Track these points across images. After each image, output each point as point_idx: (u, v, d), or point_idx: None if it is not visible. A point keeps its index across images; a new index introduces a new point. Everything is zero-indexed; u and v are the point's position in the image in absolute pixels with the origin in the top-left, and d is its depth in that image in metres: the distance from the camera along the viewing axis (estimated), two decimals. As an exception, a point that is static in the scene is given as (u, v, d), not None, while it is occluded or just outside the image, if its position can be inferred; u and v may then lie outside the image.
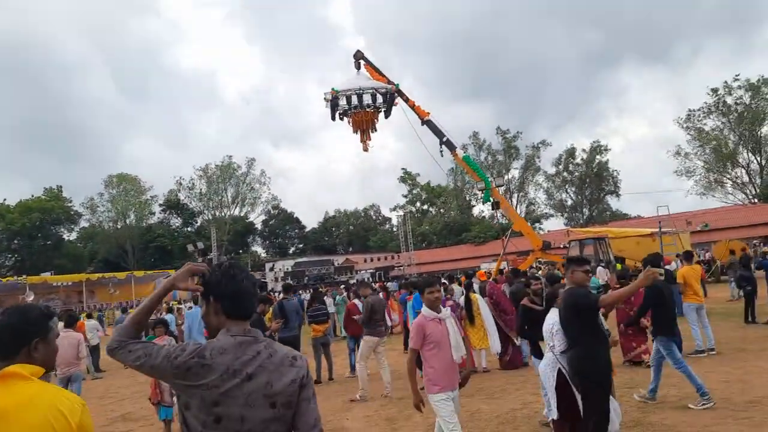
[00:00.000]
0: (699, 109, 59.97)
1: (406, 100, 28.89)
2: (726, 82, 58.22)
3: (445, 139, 27.42)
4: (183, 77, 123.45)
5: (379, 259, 62.52)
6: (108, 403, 10.19)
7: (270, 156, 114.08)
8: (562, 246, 30.91)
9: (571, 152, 76.76)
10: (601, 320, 4.34)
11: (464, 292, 9.36)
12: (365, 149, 29.61)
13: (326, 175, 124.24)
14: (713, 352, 8.69)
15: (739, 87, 57.33)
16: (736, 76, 57.56)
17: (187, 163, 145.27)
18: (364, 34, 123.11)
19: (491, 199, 26.68)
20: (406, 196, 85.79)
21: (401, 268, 59.28)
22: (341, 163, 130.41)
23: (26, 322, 1.99)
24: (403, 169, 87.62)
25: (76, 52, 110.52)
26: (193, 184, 71.38)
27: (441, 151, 28.07)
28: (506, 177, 78.44)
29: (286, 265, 60.50)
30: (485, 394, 7.66)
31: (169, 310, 16.24)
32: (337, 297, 16.76)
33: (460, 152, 26.67)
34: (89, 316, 15.20)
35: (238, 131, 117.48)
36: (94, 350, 13.89)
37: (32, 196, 66.09)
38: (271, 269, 58.92)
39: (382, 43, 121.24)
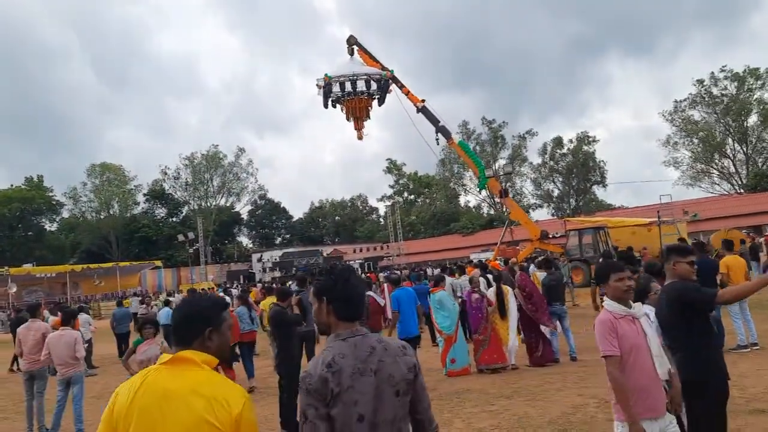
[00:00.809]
0: (684, 100, 60.26)
1: (401, 86, 28.35)
2: (712, 73, 58.48)
3: (440, 125, 26.94)
4: (164, 64, 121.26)
5: (368, 249, 61.93)
6: (104, 402, 9.59)
7: (253, 145, 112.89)
8: (551, 236, 30.61)
9: (558, 141, 76.62)
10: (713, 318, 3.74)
11: (493, 282, 8.88)
12: (359, 137, 29.03)
13: (311, 165, 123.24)
14: (756, 347, 8.34)
15: (726, 78, 57.59)
16: (723, 67, 57.85)
17: (169, 152, 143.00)
18: (349, 22, 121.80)
19: (486, 186, 26.27)
20: (392, 187, 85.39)
21: (390, 258, 58.83)
22: (326, 153, 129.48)
23: (200, 312, 2.05)
24: (388, 159, 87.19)
25: (55, 37, 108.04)
26: (179, 173, 70.22)
27: (437, 139, 27.64)
28: (494, 167, 78.55)
29: (274, 255, 59.66)
30: (525, 394, 7.14)
31: (166, 303, 15.51)
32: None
33: (456, 137, 26.16)
34: (81, 310, 14.45)
35: (221, 119, 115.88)
36: (87, 346, 13.21)
37: (12, 185, 64.42)
38: (259, 260, 57.98)
39: (367, 31, 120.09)
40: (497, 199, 36.57)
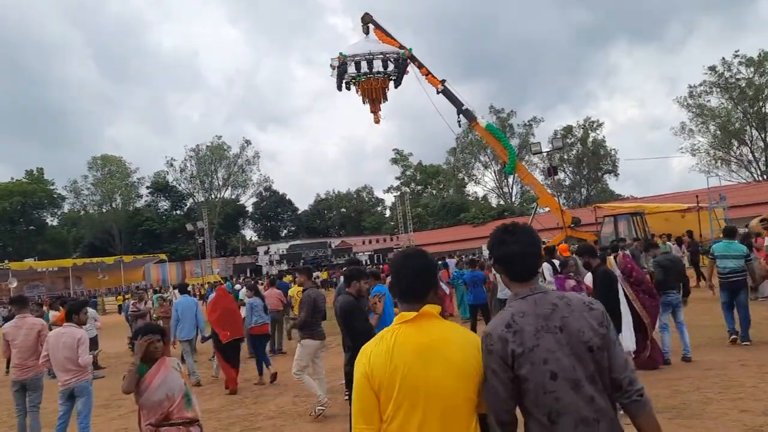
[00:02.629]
0: (700, 85, 58.45)
1: (420, 66, 26.77)
2: (724, 58, 56.70)
3: (464, 108, 25.40)
4: (166, 58, 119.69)
5: (377, 241, 60.34)
6: (115, 415, 8.12)
7: (256, 138, 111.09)
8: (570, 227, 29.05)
9: (568, 130, 74.99)
10: None
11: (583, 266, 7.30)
12: (376, 121, 27.59)
13: (315, 157, 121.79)
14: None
15: (740, 63, 55.82)
16: (736, 51, 56.08)
17: (171, 146, 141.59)
18: (352, 14, 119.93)
19: (514, 172, 24.75)
20: (399, 178, 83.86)
21: (400, 249, 57.24)
22: (329, 146, 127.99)
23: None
24: (395, 149, 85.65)
25: (56, 31, 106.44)
26: (185, 165, 68.73)
27: (459, 122, 26.13)
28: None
29: (281, 248, 58.26)
30: (669, 412, 5.39)
31: (183, 291, 13.85)
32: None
33: (481, 121, 24.58)
34: (87, 304, 12.97)
35: (223, 113, 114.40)
36: (92, 344, 11.71)
37: (12, 179, 62.97)
38: (266, 252, 56.56)
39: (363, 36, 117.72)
40: (531, 190, 34.78)
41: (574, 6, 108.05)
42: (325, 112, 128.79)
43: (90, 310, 12.27)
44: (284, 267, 50.39)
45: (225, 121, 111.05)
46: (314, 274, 23.36)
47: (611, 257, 8.77)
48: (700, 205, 24.64)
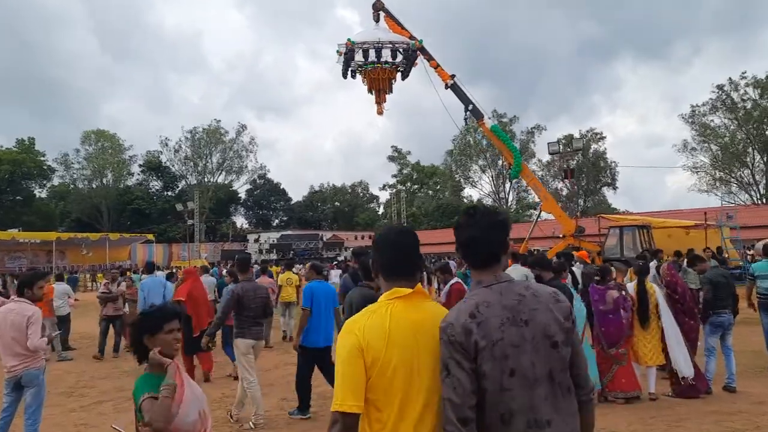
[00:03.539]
0: (703, 105, 58.06)
1: (429, 59, 25.86)
2: (730, 78, 56.25)
3: (471, 107, 24.55)
4: (168, 37, 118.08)
5: (370, 237, 59.47)
6: (75, 406, 7.14)
7: (253, 125, 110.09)
8: (561, 236, 28.54)
9: (569, 139, 74.48)
10: None
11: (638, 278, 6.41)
12: (380, 112, 26.58)
13: (310, 149, 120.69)
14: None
15: (747, 84, 55.39)
16: (743, 73, 55.73)
17: (167, 126, 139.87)
18: (359, 9, 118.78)
19: (519, 175, 23.96)
20: (396, 175, 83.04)
21: (387, 226, 56.33)
22: (326, 139, 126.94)
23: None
24: (393, 146, 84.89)
25: (58, 1, 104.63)
26: (179, 146, 67.42)
27: (465, 119, 25.24)
28: (500, 162, 76.50)
29: (272, 237, 57.34)
30: None
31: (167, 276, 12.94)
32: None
33: (488, 121, 23.73)
34: (59, 278, 11.98)
35: (221, 98, 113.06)
36: (62, 322, 10.78)
37: (2, 146, 61.43)
38: (257, 240, 55.62)
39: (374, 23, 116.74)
40: (535, 194, 33.97)
41: (583, 18, 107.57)
42: (324, 104, 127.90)
43: (63, 286, 11.36)
44: (274, 256, 49.55)
45: (224, 106, 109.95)
46: (298, 266, 22.45)
47: (627, 270, 7.98)
48: (707, 223, 23.99)
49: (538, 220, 25.76)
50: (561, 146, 23.38)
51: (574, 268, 8.87)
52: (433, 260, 36.95)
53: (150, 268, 11.26)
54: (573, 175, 23.57)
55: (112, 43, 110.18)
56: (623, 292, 6.09)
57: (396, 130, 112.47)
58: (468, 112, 25.00)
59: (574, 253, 10.93)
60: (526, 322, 1.80)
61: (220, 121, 68.97)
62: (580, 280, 8.40)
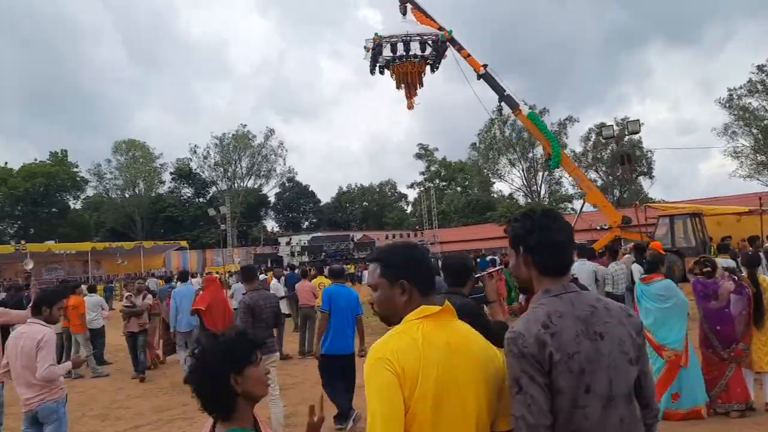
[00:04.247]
0: (740, 88, 55.79)
1: (460, 48, 25.01)
2: (769, 58, 53.88)
3: (505, 94, 23.65)
4: (194, 45, 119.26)
5: (401, 236, 58.77)
6: (116, 425, 6.62)
7: (280, 129, 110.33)
8: (599, 228, 27.43)
9: (601, 128, 72.65)
10: None
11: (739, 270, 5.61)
12: (410, 107, 25.90)
13: (337, 150, 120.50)
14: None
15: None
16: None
17: (195, 134, 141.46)
18: (380, 7, 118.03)
19: (559, 165, 22.95)
20: (423, 173, 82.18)
21: (424, 246, 55.60)
22: (352, 140, 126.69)
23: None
24: (419, 144, 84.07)
25: (87, 13, 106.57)
26: (208, 152, 67.75)
27: (500, 109, 24.39)
28: (530, 155, 75.01)
29: (303, 239, 57.13)
30: None
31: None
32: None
33: (524, 108, 22.70)
34: (91, 290, 11.47)
35: (248, 103, 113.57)
36: (96, 336, 10.30)
37: (36, 160, 62.50)
38: (288, 243, 55.43)
39: (399, 18, 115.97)
40: (577, 185, 32.83)
41: (610, 5, 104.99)
42: (349, 105, 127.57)
43: (96, 297, 10.88)
44: (305, 259, 49.29)
45: (250, 112, 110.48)
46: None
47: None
48: (763, 208, 22.60)
49: (581, 212, 24.63)
50: (629, 124, 22.17)
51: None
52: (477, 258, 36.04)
53: (183, 276, 10.71)
54: (630, 159, 22.42)
55: (140, 53, 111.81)
56: (737, 280, 5.21)
57: (421, 127, 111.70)
58: (501, 102, 24.15)
59: (651, 244, 10.01)
60: (601, 335, 1.69)
61: (246, 125, 69.10)
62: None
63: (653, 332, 5.08)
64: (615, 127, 26.91)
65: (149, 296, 10.37)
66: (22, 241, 38.76)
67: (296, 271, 16.83)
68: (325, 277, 12.20)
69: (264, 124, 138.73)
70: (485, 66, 24.35)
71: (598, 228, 23.10)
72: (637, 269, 7.99)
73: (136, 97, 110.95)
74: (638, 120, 22.81)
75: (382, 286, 1.87)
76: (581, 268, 7.97)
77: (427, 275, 1.88)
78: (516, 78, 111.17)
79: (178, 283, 10.65)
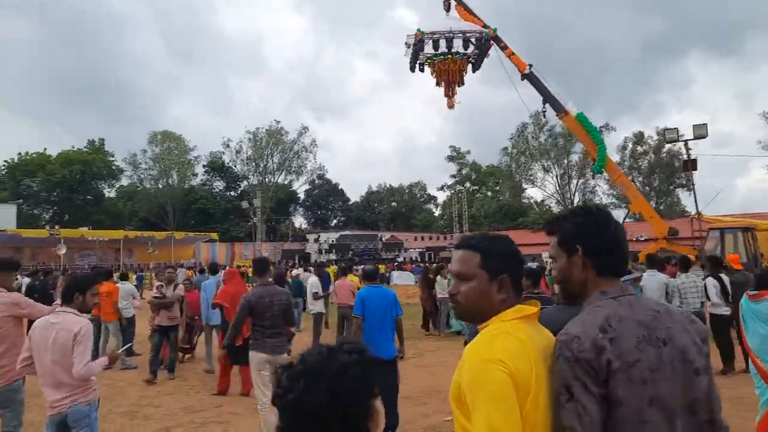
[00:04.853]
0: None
1: (504, 48, 24.31)
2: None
3: (552, 96, 22.91)
4: (229, 40, 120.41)
5: (430, 238, 58.11)
6: (144, 423, 6.18)
7: (311, 126, 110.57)
8: (635, 239, 26.20)
9: (639, 137, 71.02)
10: None
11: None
12: (450, 106, 25.35)
13: (367, 150, 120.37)
14: None
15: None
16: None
17: (227, 128, 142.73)
18: (416, 8, 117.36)
19: (603, 170, 22.09)
20: (455, 176, 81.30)
21: (453, 249, 54.86)
22: (382, 139, 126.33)
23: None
24: (451, 146, 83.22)
25: (126, 7, 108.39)
26: (241, 146, 68.09)
27: (543, 111, 23.58)
28: (565, 161, 73.61)
29: (331, 237, 56.92)
30: None
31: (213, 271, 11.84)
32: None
33: (573, 109, 21.83)
34: (123, 277, 11.09)
35: (281, 100, 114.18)
36: (126, 326, 9.92)
37: (73, 147, 63.54)
38: (316, 240, 55.23)
39: (435, 19, 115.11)
40: (618, 188, 31.98)
41: (648, 14, 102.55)
42: (381, 105, 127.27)
43: (128, 285, 10.51)
44: (333, 256, 49.01)
45: (283, 108, 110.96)
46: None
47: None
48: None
49: (625, 221, 23.64)
50: (695, 128, 21.19)
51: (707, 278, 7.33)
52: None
53: (213, 268, 10.34)
54: (695, 166, 21.41)
55: (177, 46, 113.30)
56: None
57: (452, 130, 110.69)
58: (546, 104, 23.37)
59: (728, 257, 9.24)
60: (664, 341, 1.57)
61: (280, 122, 69.30)
62: (730, 290, 6.83)
63: (762, 357, 4.40)
64: (670, 134, 25.58)
65: (180, 286, 9.66)
66: (57, 226, 39.23)
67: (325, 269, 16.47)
68: (355, 275, 11.82)
69: (296, 120, 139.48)
70: (530, 66, 23.61)
71: (635, 239, 22.08)
72: (711, 284, 7.27)
73: (172, 90, 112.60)
74: (705, 124, 21.70)
75: (479, 278, 1.67)
76: (651, 279, 7.29)
77: (521, 274, 1.77)
78: (551, 84, 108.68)
79: (209, 275, 10.28)
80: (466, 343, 4.88)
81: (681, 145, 65.51)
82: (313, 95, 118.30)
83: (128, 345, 7.08)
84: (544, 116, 24.11)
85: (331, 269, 21.85)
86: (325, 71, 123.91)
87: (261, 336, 5.35)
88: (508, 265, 1.69)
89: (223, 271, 9.59)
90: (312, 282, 10.44)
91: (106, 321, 9.55)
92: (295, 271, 18.29)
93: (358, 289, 6.29)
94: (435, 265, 14.78)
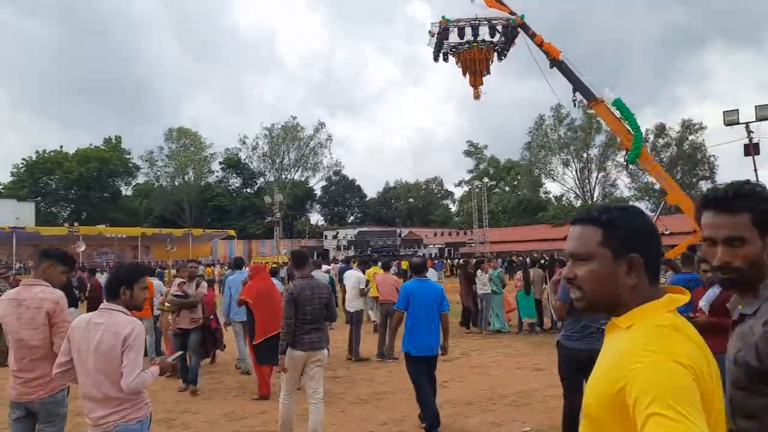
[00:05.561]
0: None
1: (533, 36, 23.39)
2: None
3: (583, 84, 21.96)
4: (243, 38, 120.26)
5: (449, 234, 57.38)
6: None
7: (326, 123, 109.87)
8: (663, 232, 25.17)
9: (660, 129, 69.58)
10: None
11: None
12: (476, 96, 24.52)
13: (382, 146, 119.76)
14: None
15: None
16: None
17: (243, 126, 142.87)
18: (431, 2, 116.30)
19: (637, 160, 21.16)
20: (472, 171, 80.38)
21: (473, 245, 54.10)
22: (398, 136, 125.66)
23: None
24: (469, 141, 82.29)
25: (143, 6, 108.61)
26: (257, 143, 67.72)
27: (574, 100, 22.66)
28: (585, 155, 72.50)
29: (349, 233, 56.42)
30: None
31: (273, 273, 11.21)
32: (494, 272, 11.74)
33: (610, 95, 20.85)
34: (152, 273, 10.47)
35: (295, 96, 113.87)
36: (152, 324, 9.32)
37: (90, 145, 63.56)
38: (335, 236, 54.78)
39: (452, 13, 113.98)
40: (652, 177, 31.05)
41: (668, 6, 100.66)
42: (397, 101, 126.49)
43: (157, 281, 9.95)
44: (351, 253, 48.50)
45: (297, 105, 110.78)
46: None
47: None
48: None
49: (660, 213, 22.71)
50: (757, 109, 20.09)
51: None
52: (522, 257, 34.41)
53: (238, 262, 9.80)
54: (758, 150, 20.42)
55: (192, 45, 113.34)
56: None
57: (468, 125, 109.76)
58: (576, 92, 22.49)
59: None
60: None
61: (296, 117, 68.80)
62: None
63: None
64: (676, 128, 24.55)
65: (204, 284, 8.35)
66: (76, 224, 39.04)
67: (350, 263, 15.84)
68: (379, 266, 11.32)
69: (311, 117, 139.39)
70: (560, 53, 22.72)
71: (692, 231, 21.03)
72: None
73: (187, 88, 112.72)
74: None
75: (602, 257, 1.37)
76: None
77: (659, 254, 1.42)
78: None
79: (234, 270, 9.74)
80: (558, 343, 4.11)
81: (704, 137, 63.70)
82: (327, 92, 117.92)
83: (180, 353, 6.03)
84: (575, 105, 23.15)
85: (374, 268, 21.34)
86: (339, 67, 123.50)
87: (300, 332, 5.00)
88: (639, 243, 1.38)
89: (247, 267, 8.99)
90: (358, 277, 9.77)
91: (141, 318, 8.96)
92: (324, 267, 17.68)
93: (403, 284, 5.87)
94: (475, 260, 14.05)
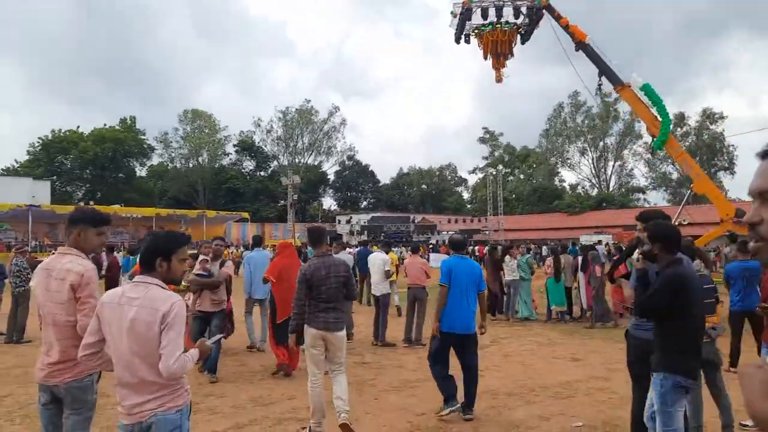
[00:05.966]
0: None
1: (558, 18, 22.72)
2: None
3: (610, 68, 21.33)
4: (257, 21, 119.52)
5: (464, 221, 56.84)
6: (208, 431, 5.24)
7: (341, 108, 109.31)
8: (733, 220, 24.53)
9: (680, 118, 68.43)
10: None
11: None
12: (498, 79, 23.98)
13: (396, 132, 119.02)
14: None
15: None
16: None
17: (256, 110, 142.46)
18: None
19: (664, 147, 20.54)
20: (487, 158, 79.63)
21: (487, 232, 53.61)
22: (412, 121, 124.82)
23: None
24: (484, 128, 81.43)
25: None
26: (272, 126, 67.40)
27: (599, 85, 22.06)
28: (601, 143, 71.58)
29: (362, 218, 56.11)
30: None
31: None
32: (522, 259, 11.34)
33: (637, 80, 20.21)
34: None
35: (309, 81, 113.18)
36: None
37: (105, 125, 63.56)
38: (348, 221, 54.48)
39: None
40: (678, 166, 30.42)
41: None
42: (412, 86, 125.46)
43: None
44: (365, 238, 48.24)
45: (311, 90, 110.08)
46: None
47: None
48: None
49: (686, 203, 22.08)
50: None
51: None
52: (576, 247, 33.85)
53: (257, 240, 9.57)
54: None
55: (207, 28, 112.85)
56: None
57: (482, 112, 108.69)
58: (601, 77, 21.86)
59: None
60: None
61: (310, 101, 68.34)
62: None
63: None
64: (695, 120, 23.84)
65: (228, 263, 7.72)
66: (91, 202, 39.03)
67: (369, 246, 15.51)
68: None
69: (324, 101, 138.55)
70: (586, 35, 22.06)
71: (720, 221, 20.35)
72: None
73: (202, 71, 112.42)
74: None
75: None
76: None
77: None
78: (586, 63, 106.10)
79: (253, 249, 9.52)
80: (627, 333, 3.72)
81: (723, 127, 62.40)
82: (342, 77, 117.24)
83: (219, 336, 5.27)
84: (600, 90, 22.54)
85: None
86: (354, 52, 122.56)
87: (315, 310, 4.84)
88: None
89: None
90: (383, 259, 9.44)
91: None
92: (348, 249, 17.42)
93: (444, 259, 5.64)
94: (501, 245, 13.66)
